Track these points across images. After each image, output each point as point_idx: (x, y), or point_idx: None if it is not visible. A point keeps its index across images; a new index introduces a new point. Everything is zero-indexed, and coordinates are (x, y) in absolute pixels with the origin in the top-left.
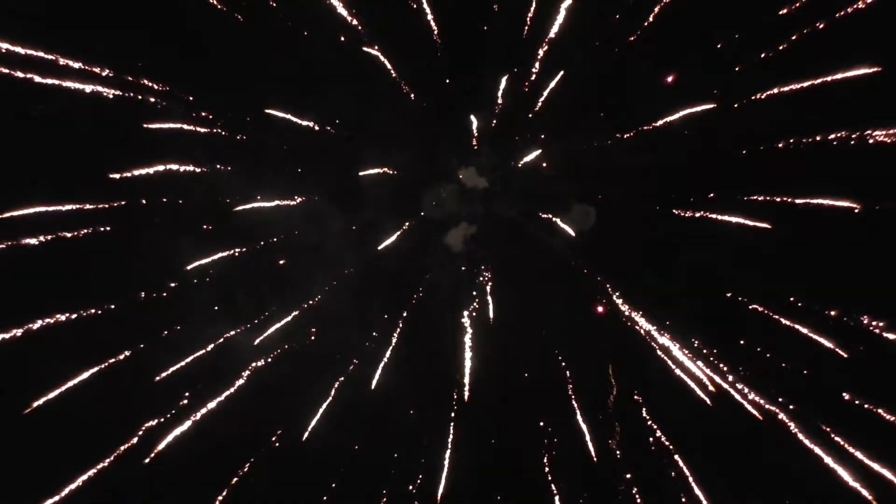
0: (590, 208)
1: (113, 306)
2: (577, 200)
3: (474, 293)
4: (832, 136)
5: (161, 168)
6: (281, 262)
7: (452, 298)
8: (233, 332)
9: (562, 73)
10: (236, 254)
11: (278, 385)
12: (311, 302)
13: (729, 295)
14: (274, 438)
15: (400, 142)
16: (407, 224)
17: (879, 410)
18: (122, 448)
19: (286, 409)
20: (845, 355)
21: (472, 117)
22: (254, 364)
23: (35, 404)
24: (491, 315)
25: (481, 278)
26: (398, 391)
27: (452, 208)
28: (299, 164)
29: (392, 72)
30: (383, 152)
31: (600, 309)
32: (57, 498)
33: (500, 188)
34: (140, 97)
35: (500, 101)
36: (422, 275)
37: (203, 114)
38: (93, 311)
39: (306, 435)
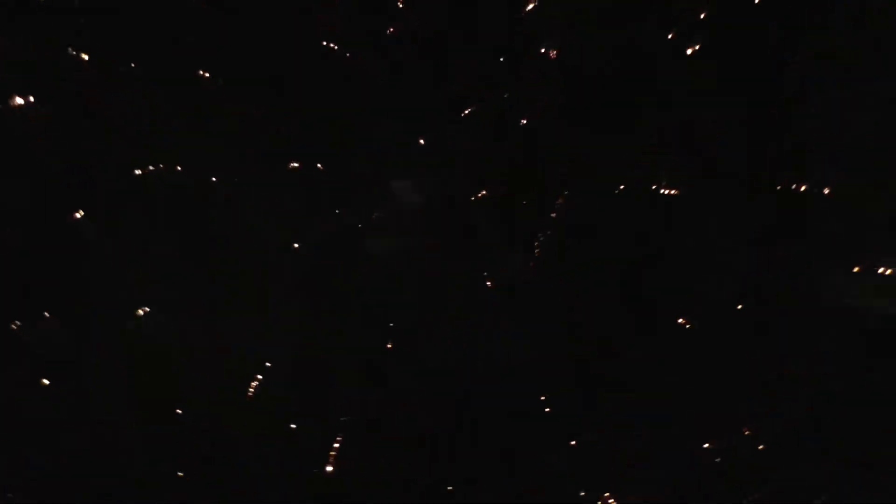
0: (524, 256)
1: None
2: (512, 244)
3: (396, 324)
4: None
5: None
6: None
7: (376, 325)
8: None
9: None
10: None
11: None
12: (212, 305)
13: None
14: None
15: (343, 142)
16: (330, 230)
17: None
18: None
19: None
20: None
21: (421, 139)
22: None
23: None
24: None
25: (403, 309)
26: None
27: (383, 222)
28: (222, 144)
29: (353, 71)
30: (321, 148)
31: None
32: None
33: (437, 211)
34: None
35: (456, 118)
36: (340, 290)
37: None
38: None
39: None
